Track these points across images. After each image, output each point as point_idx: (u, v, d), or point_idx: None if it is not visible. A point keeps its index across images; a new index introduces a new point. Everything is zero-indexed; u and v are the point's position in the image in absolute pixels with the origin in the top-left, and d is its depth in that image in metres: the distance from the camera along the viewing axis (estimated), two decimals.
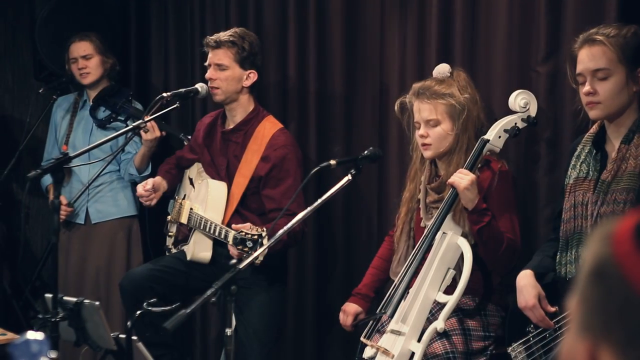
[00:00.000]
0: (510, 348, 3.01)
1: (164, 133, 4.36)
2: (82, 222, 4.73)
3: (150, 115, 3.92)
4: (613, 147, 2.87)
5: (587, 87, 2.81)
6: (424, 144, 3.37)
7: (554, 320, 2.89)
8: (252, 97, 4.07)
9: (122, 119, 4.64)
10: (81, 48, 4.68)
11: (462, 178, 3.14)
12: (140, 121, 3.88)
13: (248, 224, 3.53)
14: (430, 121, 3.33)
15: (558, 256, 2.95)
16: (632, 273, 1.10)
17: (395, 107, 3.51)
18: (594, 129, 2.95)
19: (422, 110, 3.33)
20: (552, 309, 2.90)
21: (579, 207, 2.88)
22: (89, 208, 4.72)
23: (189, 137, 4.32)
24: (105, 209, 4.72)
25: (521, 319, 2.98)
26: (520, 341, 2.97)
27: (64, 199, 4.65)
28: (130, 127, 3.84)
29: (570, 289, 2.73)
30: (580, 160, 2.93)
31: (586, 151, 2.93)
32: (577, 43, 2.87)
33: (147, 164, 4.58)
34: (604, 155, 2.89)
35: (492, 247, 3.20)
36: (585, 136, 2.98)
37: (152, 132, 4.26)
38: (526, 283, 2.94)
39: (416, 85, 3.39)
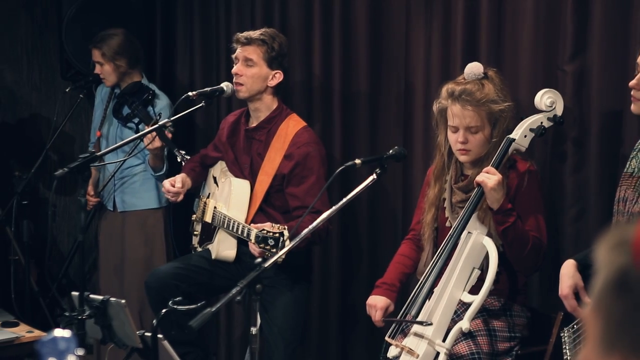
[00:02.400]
0: (562, 332, 2.99)
1: (163, 144, 4.33)
2: (111, 209, 4.83)
3: (174, 116, 3.97)
4: None
5: (634, 80, 2.78)
6: (462, 149, 3.34)
7: None
8: (276, 97, 4.07)
9: (136, 121, 4.68)
10: (94, 55, 4.75)
11: (490, 177, 3.12)
12: (166, 120, 3.88)
13: (268, 223, 3.53)
14: (472, 127, 3.28)
15: None
16: None
17: (434, 109, 3.42)
18: None
19: (465, 116, 3.26)
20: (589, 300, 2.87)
21: (620, 203, 2.87)
22: (115, 197, 4.81)
23: (183, 151, 4.28)
24: (129, 200, 4.79)
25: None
26: (570, 326, 2.96)
27: (91, 190, 4.75)
28: (152, 128, 3.86)
29: None
30: (632, 156, 2.91)
31: (639, 148, 2.92)
32: None
33: (161, 163, 4.59)
34: None
35: (517, 248, 3.19)
36: None
37: (153, 142, 4.25)
38: (565, 272, 2.93)
39: (456, 88, 3.30)
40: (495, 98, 3.27)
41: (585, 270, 2.93)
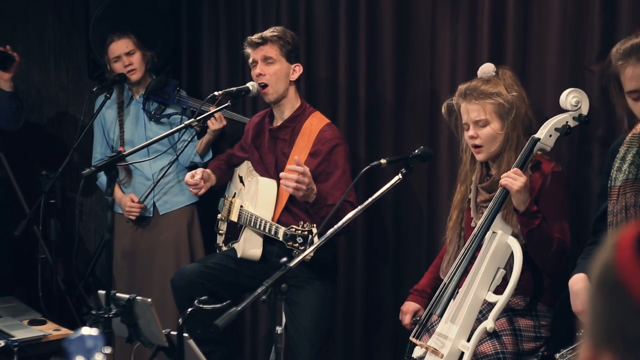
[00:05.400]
0: (558, 354, 2.96)
1: (225, 122, 4.46)
2: (151, 215, 4.82)
3: (202, 112, 3.97)
4: None
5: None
6: (475, 146, 3.35)
7: None
8: (298, 92, 4.10)
9: (177, 111, 4.70)
10: (123, 45, 4.73)
11: (515, 179, 3.11)
12: (192, 120, 3.87)
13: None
14: (479, 122, 3.31)
15: None
16: (631, 282, 1.09)
17: (442, 110, 3.50)
18: (638, 129, 2.90)
19: (471, 111, 3.31)
20: None
21: (631, 209, 2.81)
22: (155, 201, 4.80)
23: None
24: (171, 199, 4.80)
25: (568, 324, 2.94)
26: (571, 347, 2.93)
27: (134, 197, 4.73)
28: (185, 124, 3.83)
29: None
30: (628, 162, 2.87)
31: (633, 152, 2.87)
32: (620, 58, 2.73)
33: (208, 150, 4.69)
34: None
35: (541, 249, 3.18)
36: (629, 137, 2.91)
37: (219, 121, 4.40)
38: (582, 287, 2.89)
39: (462, 87, 3.38)
40: (502, 92, 3.28)
41: None
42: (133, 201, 4.73)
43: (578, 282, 2.92)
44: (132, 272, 4.80)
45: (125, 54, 4.72)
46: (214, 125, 4.43)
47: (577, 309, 2.90)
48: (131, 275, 4.78)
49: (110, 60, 4.77)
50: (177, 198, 4.80)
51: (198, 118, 3.82)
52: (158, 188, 4.75)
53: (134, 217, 4.75)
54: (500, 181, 3.17)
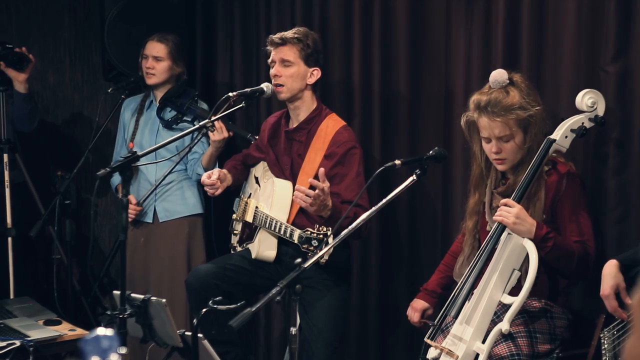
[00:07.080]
0: (601, 333, 2.98)
1: (231, 133, 4.40)
2: (150, 221, 4.79)
3: (217, 116, 3.96)
4: None
5: None
6: (497, 159, 3.33)
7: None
8: (315, 95, 4.09)
9: (189, 119, 4.68)
10: (155, 48, 4.73)
11: (509, 212, 3.11)
12: (207, 120, 3.90)
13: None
14: (503, 137, 3.26)
15: None
16: None
17: (462, 123, 3.41)
18: None
19: (494, 127, 3.24)
20: (630, 301, 2.87)
21: None
22: (156, 207, 4.77)
23: (257, 137, 4.35)
24: (172, 207, 4.78)
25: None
26: (610, 327, 2.95)
27: (133, 199, 4.71)
28: (197, 126, 3.84)
29: None
30: None
31: None
32: None
33: (214, 163, 4.62)
34: None
35: (564, 264, 3.20)
36: None
37: (220, 132, 4.32)
38: (607, 272, 2.93)
39: (481, 99, 3.29)
40: (523, 104, 3.24)
41: (627, 271, 2.92)
42: (131, 203, 4.72)
43: (606, 267, 2.96)
44: (131, 273, 4.79)
45: (153, 57, 4.73)
46: (214, 136, 4.33)
47: (601, 293, 2.92)
48: (130, 276, 4.78)
49: (142, 54, 4.78)
50: (178, 207, 4.77)
51: (213, 119, 3.83)
52: (160, 194, 4.75)
53: (129, 219, 4.74)
54: (494, 217, 3.17)
